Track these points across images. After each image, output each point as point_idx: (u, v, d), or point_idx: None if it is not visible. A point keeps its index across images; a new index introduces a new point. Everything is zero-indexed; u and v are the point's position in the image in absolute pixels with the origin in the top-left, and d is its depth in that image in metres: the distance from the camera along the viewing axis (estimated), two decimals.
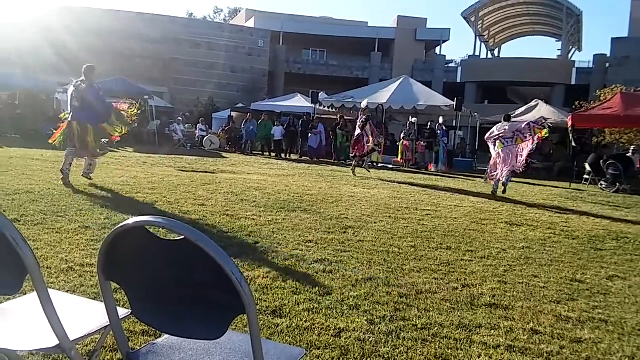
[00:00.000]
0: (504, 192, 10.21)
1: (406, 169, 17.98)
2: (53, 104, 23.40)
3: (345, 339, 2.81)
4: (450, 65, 43.46)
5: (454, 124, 21.21)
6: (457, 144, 23.58)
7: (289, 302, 3.29)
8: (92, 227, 4.97)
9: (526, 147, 10.00)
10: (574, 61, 39.17)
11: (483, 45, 42.60)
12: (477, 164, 20.94)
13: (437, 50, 43.75)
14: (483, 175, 10.89)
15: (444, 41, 42.60)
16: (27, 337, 1.60)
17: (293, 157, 20.89)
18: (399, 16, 42.99)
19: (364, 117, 13.54)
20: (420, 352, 2.72)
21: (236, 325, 2.60)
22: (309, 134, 20.20)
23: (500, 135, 10.26)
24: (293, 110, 24.07)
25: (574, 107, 22.55)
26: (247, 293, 1.26)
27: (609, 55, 34.04)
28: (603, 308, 3.64)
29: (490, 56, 43.85)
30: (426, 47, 43.18)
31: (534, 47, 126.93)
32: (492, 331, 3.06)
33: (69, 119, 7.96)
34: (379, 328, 2.98)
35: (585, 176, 15.25)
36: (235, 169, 13.03)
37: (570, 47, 40.66)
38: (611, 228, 7.16)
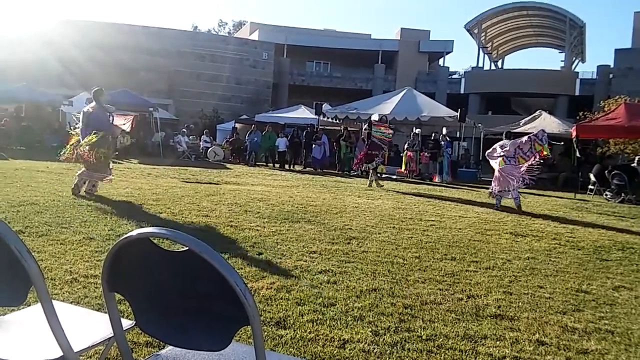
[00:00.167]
0: (519, 208, 9.84)
1: (410, 179, 17.96)
2: (58, 116, 23.59)
3: (349, 350, 2.79)
4: (454, 76, 43.47)
5: (457, 135, 21.20)
6: (461, 154, 23.57)
7: (293, 313, 3.28)
8: (97, 238, 4.98)
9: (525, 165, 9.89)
10: (578, 72, 39.18)
11: (486, 56, 42.68)
12: (481, 175, 20.92)
13: (441, 61, 43.86)
14: (488, 188, 10.82)
15: (447, 53, 42.73)
16: (31, 348, 1.60)
17: (297, 168, 20.90)
18: (402, 28, 43.21)
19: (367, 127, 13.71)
20: None
21: (240, 337, 2.59)
22: (313, 145, 20.24)
23: (503, 154, 10.20)
24: (297, 122, 24.15)
25: (578, 117, 22.51)
26: (251, 304, 1.26)
27: (612, 66, 34.05)
28: (609, 319, 3.61)
29: (493, 67, 43.92)
30: (429, 59, 43.31)
31: (538, 58, 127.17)
32: (498, 342, 3.04)
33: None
34: (384, 339, 2.96)
35: (590, 186, 15.19)
36: (239, 180, 13.04)
37: (574, 58, 40.69)
38: (617, 238, 7.12)
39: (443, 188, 14.95)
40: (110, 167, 8.55)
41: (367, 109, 20.41)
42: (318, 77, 41.92)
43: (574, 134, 15.03)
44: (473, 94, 38.14)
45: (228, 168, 17.90)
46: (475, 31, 39.39)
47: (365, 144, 14.26)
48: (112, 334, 1.58)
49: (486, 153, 10.85)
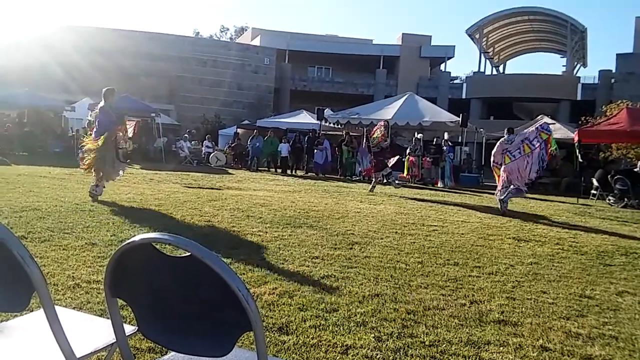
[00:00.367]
0: (502, 209, 9.75)
1: (412, 184, 17.95)
2: (60, 121, 23.70)
3: (352, 356, 2.78)
4: (455, 81, 43.59)
5: (459, 140, 21.21)
6: (463, 159, 23.56)
7: (295, 318, 3.27)
8: (99, 243, 4.98)
9: (533, 161, 9.78)
10: (579, 77, 39.25)
11: (488, 61, 42.74)
12: (483, 180, 20.91)
13: (442, 67, 43.99)
14: (492, 193, 10.75)
15: (449, 58, 42.87)
16: (33, 354, 1.59)
17: (299, 173, 20.92)
18: (403, 34, 43.38)
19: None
20: None
21: (242, 342, 2.58)
22: (315, 150, 20.26)
23: (506, 149, 10.12)
24: (299, 127, 24.20)
25: (580, 122, 22.50)
26: (253, 310, 1.25)
27: (614, 71, 34.09)
28: (613, 324, 3.60)
29: (495, 72, 43.97)
30: (431, 64, 43.43)
31: (539, 63, 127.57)
32: (501, 348, 3.03)
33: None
34: (387, 345, 2.95)
35: (593, 191, 15.17)
36: (241, 185, 13.05)
37: (575, 63, 40.74)
38: (620, 243, 7.10)
39: (445, 193, 14.94)
40: (119, 168, 8.49)
41: (369, 114, 20.44)
42: (320, 83, 42.05)
43: (576, 138, 15.04)
44: (475, 99, 38.19)
45: (230, 173, 17.91)
46: (477, 36, 39.47)
47: (370, 155, 14.44)
48: (115, 340, 1.58)
49: (491, 161, 10.67)
